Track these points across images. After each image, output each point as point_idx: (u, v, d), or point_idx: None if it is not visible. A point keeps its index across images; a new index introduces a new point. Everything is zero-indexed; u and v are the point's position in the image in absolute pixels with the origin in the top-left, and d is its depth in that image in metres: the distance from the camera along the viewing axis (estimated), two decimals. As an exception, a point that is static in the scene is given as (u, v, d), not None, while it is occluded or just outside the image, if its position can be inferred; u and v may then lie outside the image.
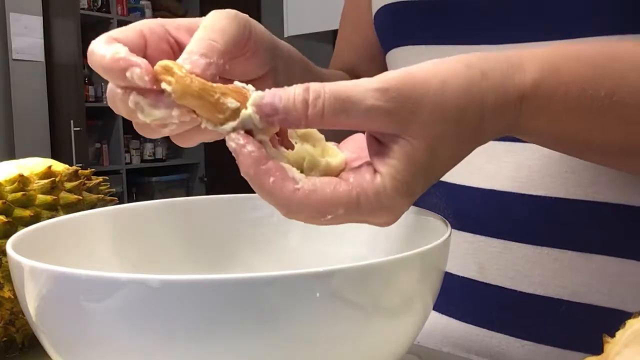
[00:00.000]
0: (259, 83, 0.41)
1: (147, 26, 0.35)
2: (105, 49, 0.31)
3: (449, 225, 0.38)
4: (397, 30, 0.59)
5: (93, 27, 4.18)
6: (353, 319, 0.29)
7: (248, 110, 0.30)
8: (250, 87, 0.32)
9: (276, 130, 0.32)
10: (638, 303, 0.49)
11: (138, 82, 0.31)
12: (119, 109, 0.32)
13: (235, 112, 0.31)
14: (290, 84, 0.31)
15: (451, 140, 0.32)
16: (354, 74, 0.67)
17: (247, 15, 0.37)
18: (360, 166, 0.32)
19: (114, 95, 0.32)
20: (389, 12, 0.59)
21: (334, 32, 0.76)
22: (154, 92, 0.31)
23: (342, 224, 0.32)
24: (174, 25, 0.36)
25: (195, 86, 0.30)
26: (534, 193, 0.50)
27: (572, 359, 0.51)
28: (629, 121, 0.37)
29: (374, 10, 0.62)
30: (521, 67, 0.34)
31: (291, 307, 0.27)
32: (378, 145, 0.32)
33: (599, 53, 0.38)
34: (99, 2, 4.18)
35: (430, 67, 0.32)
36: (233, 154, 0.31)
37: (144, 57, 0.33)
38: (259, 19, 4.98)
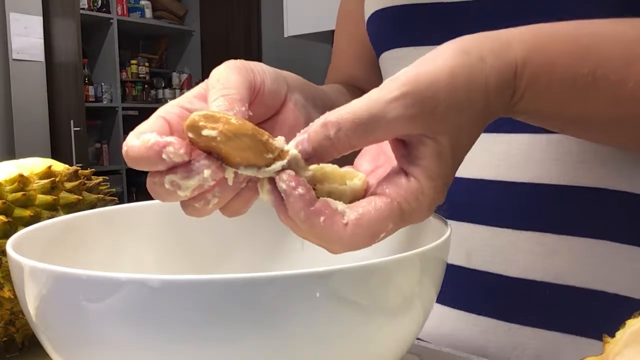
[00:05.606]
0: (282, 115, 0.41)
1: (164, 110, 0.35)
2: (136, 142, 0.31)
3: (449, 224, 0.38)
4: (389, 33, 0.60)
5: (93, 27, 4.19)
6: (353, 318, 0.29)
7: (294, 151, 0.31)
8: (279, 137, 0.32)
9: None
10: (621, 284, 0.51)
11: (175, 159, 0.30)
12: (163, 196, 0.32)
13: (282, 153, 0.31)
14: (308, 108, 0.31)
15: (467, 126, 0.33)
16: (353, 83, 0.69)
17: (241, 60, 0.38)
18: (390, 174, 0.33)
19: (153, 185, 0.32)
20: (381, 17, 0.61)
21: (334, 32, 0.76)
22: (183, 166, 0.31)
23: (391, 234, 0.32)
24: (187, 100, 0.37)
25: (248, 125, 0.30)
26: (518, 180, 0.52)
27: (555, 339, 0.52)
28: (611, 95, 0.39)
29: (367, 16, 0.63)
30: (510, 46, 0.36)
31: (291, 307, 0.27)
32: (404, 148, 0.33)
33: (583, 31, 0.39)
34: (99, 2, 4.19)
35: (433, 62, 0.33)
36: (272, 202, 0.31)
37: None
38: (258, 19, 4.95)
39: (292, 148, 0.31)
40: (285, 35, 2.83)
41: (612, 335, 0.29)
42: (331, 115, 0.31)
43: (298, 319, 0.28)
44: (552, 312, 0.53)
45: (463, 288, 0.56)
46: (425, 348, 0.51)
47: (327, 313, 0.28)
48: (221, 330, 0.27)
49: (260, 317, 0.27)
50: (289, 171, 0.31)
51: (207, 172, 0.31)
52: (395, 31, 0.60)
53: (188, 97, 0.37)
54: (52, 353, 0.32)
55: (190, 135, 0.30)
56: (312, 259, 0.47)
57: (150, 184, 0.32)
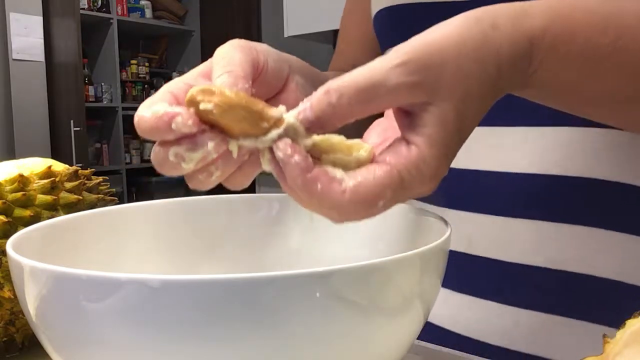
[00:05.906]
0: (284, 95, 0.42)
1: (171, 86, 0.36)
2: (147, 112, 0.31)
3: (449, 225, 0.38)
4: (396, 31, 0.61)
5: (93, 27, 4.19)
6: (353, 318, 0.29)
7: (292, 120, 0.31)
8: (280, 106, 0.32)
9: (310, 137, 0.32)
10: (625, 273, 0.53)
11: (183, 129, 0.31)
12: (167, 168, 0.33)
13: (278, 121, 0.31)
14: (309, 90, 0.31)
15: (475, 96, 0.32)
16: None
17: (244, 39, 0.39)
18: (392, 144, 0.32)
19: (158, 156, 0.32)
20: (385, 15, 0.61)
21: (334, 32, 0.77)
22: (188, 138, 0.31)
23: (392, 206, 0.31)
24: (192, 77, 0.37)
25: (243, 96, 0.31)
26: (514, 171, 0.54)
27: (550, 321, 0.55)
28: (630, 67, 0.38)
29: (373, 12, 0.64)
30: (528, 15, 0.35)
31: (291, 307, 0.27)
32: (407, 117, 0.32)
33: (603, 2, 0.38)
34: (99, 2, 4.18)
35: (441, 29, 0.32)
36: (273, 171, 0.31)
37: None
38: (258, 19, 4.94)
39: (290, 116, 0.31)
40: (285, 35, 2.83)
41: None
42: (333, 83, 0.31)
43: (298, 319, 0.28)
44: (548, 296, 0.55)
45: (463, 273, 0.58)
46: (425, 348, 0.50)
47: (327, 313, 0.28)
48: (221, 330, 0.27)
49: (260, 317, 0.27)
50: (285, 139, 0.30)
51: (210, 145, 0.31)
52: (399, 29, 0.60)
53: (193, 75, 0.37)
54: (52, 353, 0.32)
55: (190, 110, 0.31)
56: (311, 259, 0.47)
57: (154, 156, 0.32)
